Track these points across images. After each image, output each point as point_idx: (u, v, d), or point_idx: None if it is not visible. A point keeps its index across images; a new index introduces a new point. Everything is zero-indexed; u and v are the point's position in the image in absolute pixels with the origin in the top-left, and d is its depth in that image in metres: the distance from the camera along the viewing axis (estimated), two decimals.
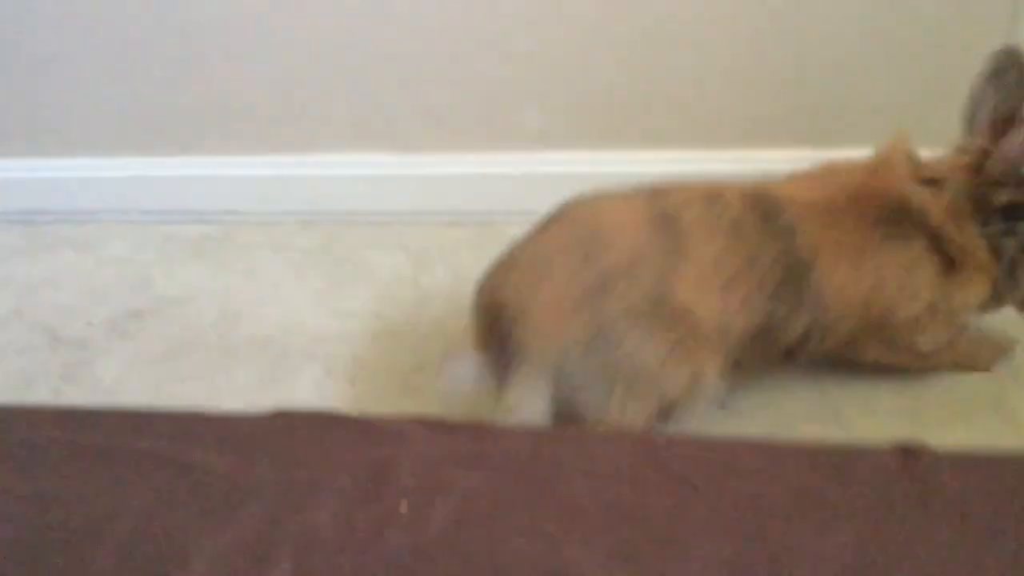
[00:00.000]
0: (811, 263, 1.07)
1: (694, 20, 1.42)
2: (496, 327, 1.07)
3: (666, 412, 1.07)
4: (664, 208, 1.07)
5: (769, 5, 1.40)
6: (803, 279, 1.06)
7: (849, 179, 1.12)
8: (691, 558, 0.77)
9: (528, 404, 1.04)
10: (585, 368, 1.03)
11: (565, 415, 1.05)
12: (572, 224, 1.09)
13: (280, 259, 1.59)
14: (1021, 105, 1.07)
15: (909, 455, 0.85)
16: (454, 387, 1.11)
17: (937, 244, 1.09)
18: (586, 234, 1.06)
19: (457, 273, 1.52)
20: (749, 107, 1.49)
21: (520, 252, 1.11)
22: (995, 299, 1.16)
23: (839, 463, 0.85)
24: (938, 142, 1.14)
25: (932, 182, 1.10)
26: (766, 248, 1.06)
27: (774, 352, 1.10)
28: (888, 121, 1.18)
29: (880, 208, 1.09)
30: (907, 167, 1.11)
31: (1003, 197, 1.08)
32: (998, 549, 0.77)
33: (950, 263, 1.11)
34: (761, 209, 1.08)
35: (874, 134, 1.17)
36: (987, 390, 1.22)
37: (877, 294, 1.09)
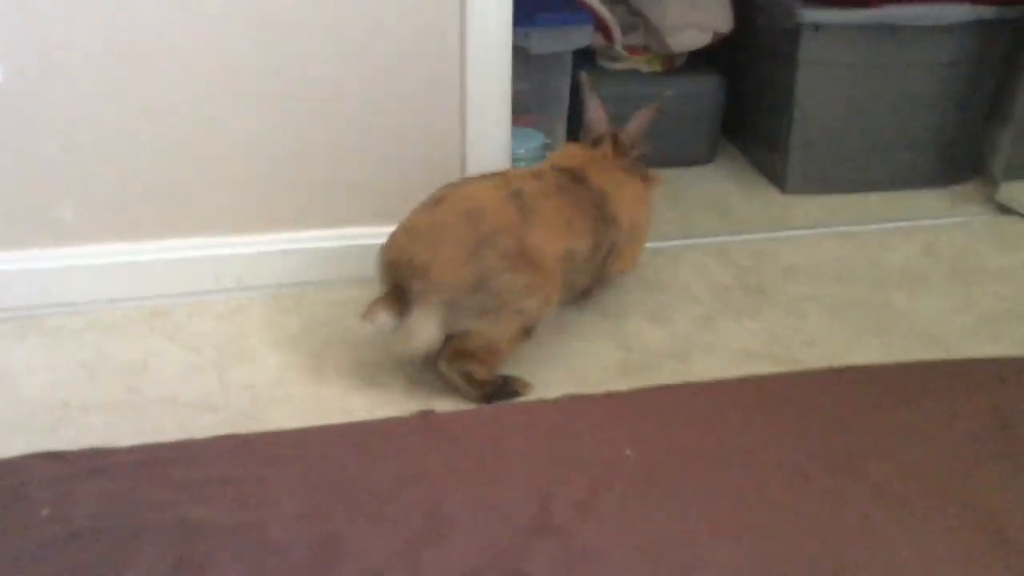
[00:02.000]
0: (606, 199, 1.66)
1: (226, 120, 1.68)
2: (400, 277, 1.48)
3: (528, 332, 1.53)
4: (513, 188, 1.56)
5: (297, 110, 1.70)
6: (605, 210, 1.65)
7: (591, 152, 1.75)
8: None
9: (425, 330, 1.46)
10: (472, 302, 1.46)
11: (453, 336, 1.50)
12: (454, 203, 1.52)
13: None
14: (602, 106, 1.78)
15: None
16: (376, 332, 1.48)
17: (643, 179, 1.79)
18: (466, 209, 1.50)
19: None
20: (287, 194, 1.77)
21: (416, 224, 1.52)
22: None
23: None
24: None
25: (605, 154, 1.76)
26: (582, 196, 1.62)
27: (593, 269, 1.66)
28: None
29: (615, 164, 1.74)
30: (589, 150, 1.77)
31: (635, 152, 1.77)
32: None
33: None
34: (568, 174, 1.65)
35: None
36: None
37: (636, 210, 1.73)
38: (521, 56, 2.07)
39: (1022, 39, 2.09)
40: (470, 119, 1.77)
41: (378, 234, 1.80)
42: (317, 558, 0.95)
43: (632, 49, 2.28)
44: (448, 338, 1.48)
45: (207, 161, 1.71)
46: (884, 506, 0.92)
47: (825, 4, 2.08)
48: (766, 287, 1.86)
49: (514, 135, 2.00)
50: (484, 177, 1.61)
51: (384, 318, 1.45)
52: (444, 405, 1.46)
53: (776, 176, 2.26)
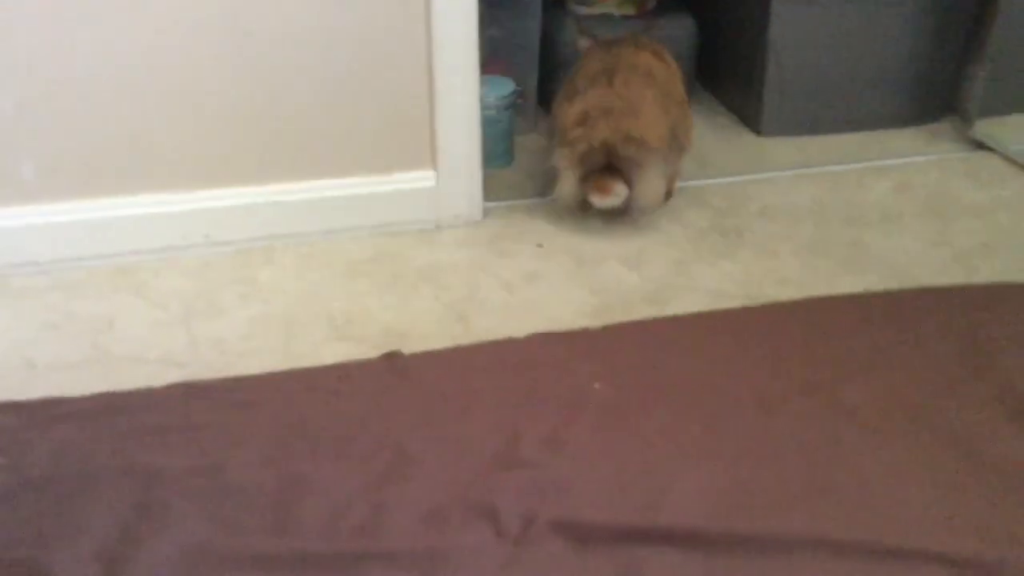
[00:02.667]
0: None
1: (183, 72, 1.63)
2: (614, 152, 1.68)
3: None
4: (650, 47, 1.84)
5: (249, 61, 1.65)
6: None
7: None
8: None
9: (659, 186, 1.77)
10: (671, 148, 1.75)
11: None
12: (630, 69, 1.75)
13: None
14: None
15: None
16: (565, 199, 1.77)
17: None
18: (643, 73, 1.75)
19: None
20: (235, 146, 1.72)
21: (612, 101, 1.71)
22: None
23: None
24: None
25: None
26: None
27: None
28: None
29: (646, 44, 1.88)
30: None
31: None
32: None
33: None
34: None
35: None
36: None
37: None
38: (489, 1, 2.03)
39: None
40: (438, 67, 1.74)
41: (346, 185, 1.79)
42: (280, 499, 0.94)
43: None
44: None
45: (171, 115, 1.67)
46: (855, 429, 0.92)
47: None
48: (741, 229, 1.85)
49: (484, 83, 1.97)
50: (619, 42, 1.84)
51: (621, 189, 1.68)
52: (412, 349, 1.44)
53: (751, 118, 2.24)
